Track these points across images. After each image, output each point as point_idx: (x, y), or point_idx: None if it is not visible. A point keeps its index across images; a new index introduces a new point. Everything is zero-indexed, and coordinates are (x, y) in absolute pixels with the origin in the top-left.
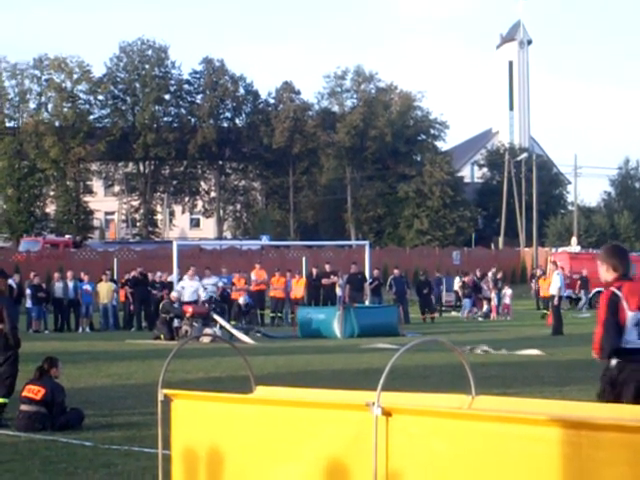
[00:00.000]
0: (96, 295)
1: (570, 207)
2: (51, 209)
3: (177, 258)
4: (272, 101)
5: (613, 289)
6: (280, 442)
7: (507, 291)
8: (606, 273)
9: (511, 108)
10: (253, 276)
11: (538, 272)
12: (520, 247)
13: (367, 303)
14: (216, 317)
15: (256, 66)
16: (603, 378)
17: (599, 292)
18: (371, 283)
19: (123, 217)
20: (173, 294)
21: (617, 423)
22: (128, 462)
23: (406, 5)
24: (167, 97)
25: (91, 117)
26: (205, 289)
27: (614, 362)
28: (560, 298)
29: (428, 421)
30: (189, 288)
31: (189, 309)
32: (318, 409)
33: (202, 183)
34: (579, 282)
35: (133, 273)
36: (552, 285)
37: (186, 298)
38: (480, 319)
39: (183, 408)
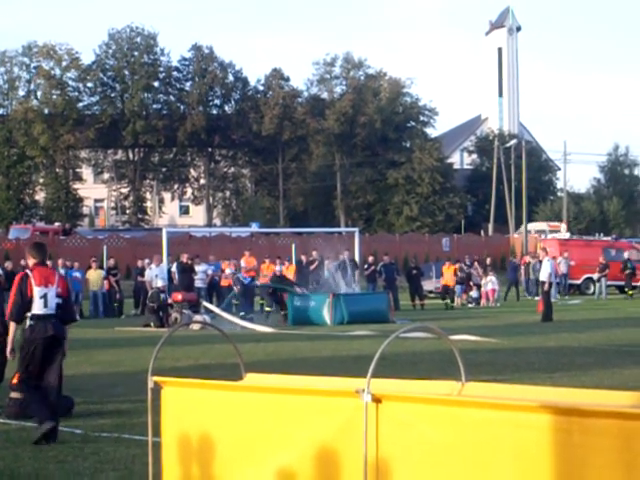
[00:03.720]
0: (85, 282)
1: (559, 193)
2: (40, 196)
3: (167, 245)
4: (261, 88)
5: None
6: (270, 429)
7: (492, 277)
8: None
9: (500, 95)
10: (243, 263)
11: (528, 258)
12: (510, 233)
13: (357, 290)
14: (207, 304)
15: (245, 53)
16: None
17: (589, 279)
18: (366, 269)
19: (112, 204)
20: (146, 280)
21: (607, 410)
22: (118, 449)
23: None
24: (156, 84)
25: (80, 104)
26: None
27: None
28: (550, 284)
29: (418, 408)
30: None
31: (179, 296)
32: (308, 396)
33: (191, 170)
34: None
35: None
36: (542, 271)
37: (157, 284)
38: (470, 305)
39: (173, 395)
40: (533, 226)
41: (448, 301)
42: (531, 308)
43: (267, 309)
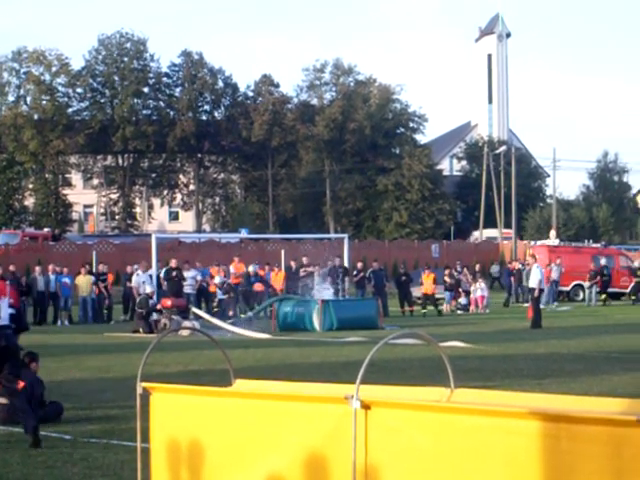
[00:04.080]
0: (75, 288)
1: (549, 200)
2: (30, 202)
3: (156, 251)
4: (251, 94)
5: None
6: (259, 435)
7: (481, 284)
8: None
9: (490, 101)
10: (232, 269)
11: (516, 265)
12: (499, 240)
13: (347, 296)
14: (196, 310)
15: (235, 59)
16: None
17: (578, 285)
18: (355, 275)
19: (102, 210)
20: (133, 286)
21: (596, 416)
22: (107, 455)
23: None
24: (146, 90)
25: (70, 110)
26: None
27: None
28: (540, 291)
29: (407, 414)
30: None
31: (168, 302)
32: (297, 402)
33: (181, 176)
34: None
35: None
36: (532, 278)
37: (144, 290)
38: (459, 312)
39: (162, 401)
40: (487, 232)
41: (426, 310)
42: (520, 314)
43: (242, 315)
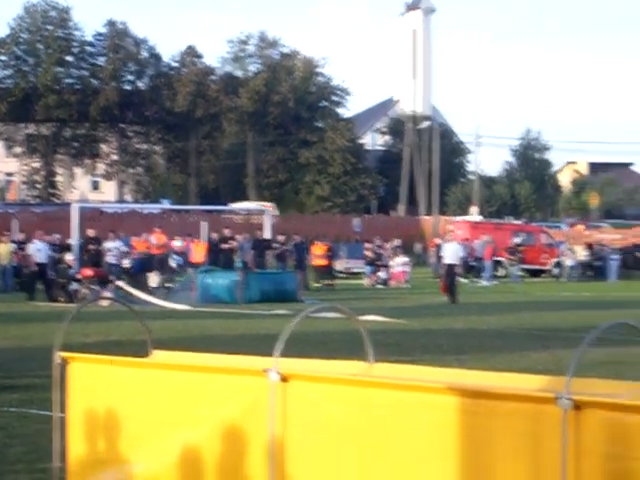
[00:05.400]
0: None
1: (471, 176)
2: None
3: (77, 221)
4: (175, 65)
5: None
6: (177, 407)
7: (402, 259)
8: None
9: (414, 76)
10: (153, 240)
11: (437, 240)
12: (420, 215)
13: (268, 269)
14: (118, 282)
15: (160, 30)
16: None
17: (499, 261)
18: (276, 248)
19: (24, 178)
20: (29, 254)
21: (514, 393)
22: (25, 424)
23: None
24: (70, 59)
25: None
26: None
27: None
28: (459, 266)
29: (325, 387)
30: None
31: (88, 272)
32: (216, 374)
33: (103, 146)
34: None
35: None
36: (448, 254)
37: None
38: (380, 286)
39: (80, 371)
40: (241, 205)
41: (319, 285)
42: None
43: (153, 285)
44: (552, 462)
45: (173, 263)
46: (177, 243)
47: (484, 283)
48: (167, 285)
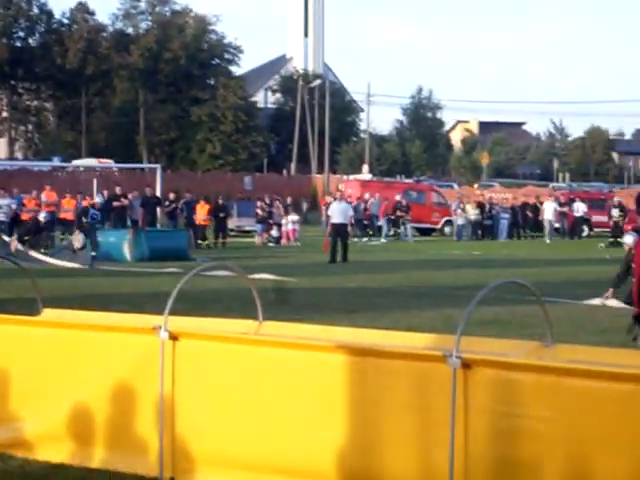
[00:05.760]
0: None
1: (363, 135)
2: None
3: None
4: (66, 22)
5: None
6: (66, 365)
7: (293, 217)
8: None
9: (306, 35)
10: (44, 197)
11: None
12: (312, 173)
13: (158, 226)
14: (6, 238)
15: None
16: None
17: (390, 220)
18: (167, 206)
19: None
20: None
21: (401, 351)
22: None
23: None
24: None
25: None
26: None
27: None
28: (349, 226)
29: (215, 346)
30: None
31: None
32: (105, 332)
33: None
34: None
35: None
36: (336, 213)
37: None
38: (271, 244)
39: None
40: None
41: (207, 242)
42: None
43: (77, 245)
44: (441, 419)
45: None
46: (99, 199)
47: (382, 240)
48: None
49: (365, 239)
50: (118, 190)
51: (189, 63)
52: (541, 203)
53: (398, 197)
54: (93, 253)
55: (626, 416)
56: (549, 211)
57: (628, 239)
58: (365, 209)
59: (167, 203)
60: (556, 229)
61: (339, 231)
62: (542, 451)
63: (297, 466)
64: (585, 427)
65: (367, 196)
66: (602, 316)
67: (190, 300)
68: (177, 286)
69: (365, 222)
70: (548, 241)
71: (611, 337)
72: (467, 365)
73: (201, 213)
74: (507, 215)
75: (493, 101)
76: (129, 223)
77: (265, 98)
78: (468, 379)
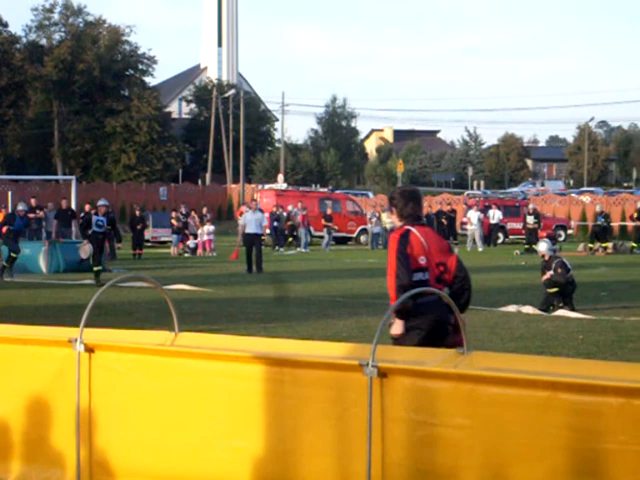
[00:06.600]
0: None
1: (277, 144)
2: None
3: None
4: None
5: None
6: None
7: (209, 227)
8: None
9: (220, 44)
10: None
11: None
12: (227, 183)
13: (74, 238)
14: None
15: None
16: None
17: (308, 230)
18: (82, 218)
19: None
20: None
21: (319, 360)
22: None
23: None
24: None
25: None
26: None
27: None
28: (263, 236)
29: (131, 357)
30: None
31: None
32: (20, 345)
33: None
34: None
35: None
36: (249, 222)
37: None
38: (187, 255)
39: None
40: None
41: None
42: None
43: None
44: (359, 429)
45: None
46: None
47: (302, 250)
48: None
49: (282, 249)
50: (33, 202)
51: (103, 74)
52: (454, 211)
53: (327, 207)
54: (3, 263)
55: (543, 423)
56: (474, 219)
57: (542, 246)
58: (288, 219)
59: (82, 215)
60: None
61: (253, 241)
62: (459, 459)
63: (215, 477)
64: (502, 435)
65: (291, 207)
66: (517, 323)
67: (106, 312)
68: (93, 298)
69: (286, 232)
70: (469, 249)
71: (527, 343)
72: (383, 374)
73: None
74: None
75: (407, 109)
76: (44, 235)
77: (180, 108)
78: (385, 388)
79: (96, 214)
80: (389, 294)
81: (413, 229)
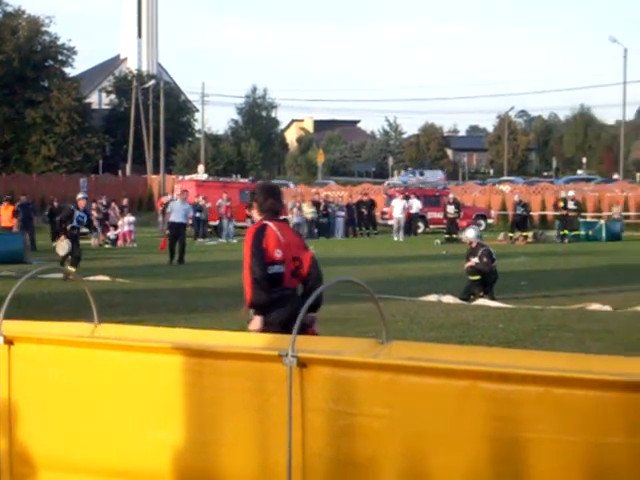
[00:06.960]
0: None
1: (198, 135)
2: None
3: None
4: None
5: None
6: None
7: (129, 218)
8: None
9: (139, 35)
10: None
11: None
12: (147, 174)
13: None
14: None
15: None
16: None
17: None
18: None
19: None
20: None
21: (237, 351)
22: None
23: None
24: None
25: None
26: None
27: None
28: (187, 226)
29: (51, 349)
30: None
31: None
32: None
33: None
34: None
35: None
36: (178, 213)
37: None
38: (107, 246)
39: None
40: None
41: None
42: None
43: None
44: (279, 419)
45: None
46: None
47: (224, 240)
48: None
49: (202, 239)
50: None
51: (22, 65)
52: (372, 201)
53: (248, 197)
54: None
55: (463, 412)
56: (398, 209)
57: (470, 233)
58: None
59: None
60: (389, 225)
61: (179, 231)
62: (380, 449)
63: (136, 468)
64: (422, 424)
65: (219, 200)
66: (438, 312)
67: (26, 304)
68: (12, 290)
69: (210, 223)
70: (396, 239)
71: (447, 333)
72: (303, 364)
73: (5, 215)
74: (343, 213)
75: (328, 100)
76: None
77: (100, 99)
78: (304, 378)
79: (77, 209)
80: (244, 289)
81: (270, 223)
